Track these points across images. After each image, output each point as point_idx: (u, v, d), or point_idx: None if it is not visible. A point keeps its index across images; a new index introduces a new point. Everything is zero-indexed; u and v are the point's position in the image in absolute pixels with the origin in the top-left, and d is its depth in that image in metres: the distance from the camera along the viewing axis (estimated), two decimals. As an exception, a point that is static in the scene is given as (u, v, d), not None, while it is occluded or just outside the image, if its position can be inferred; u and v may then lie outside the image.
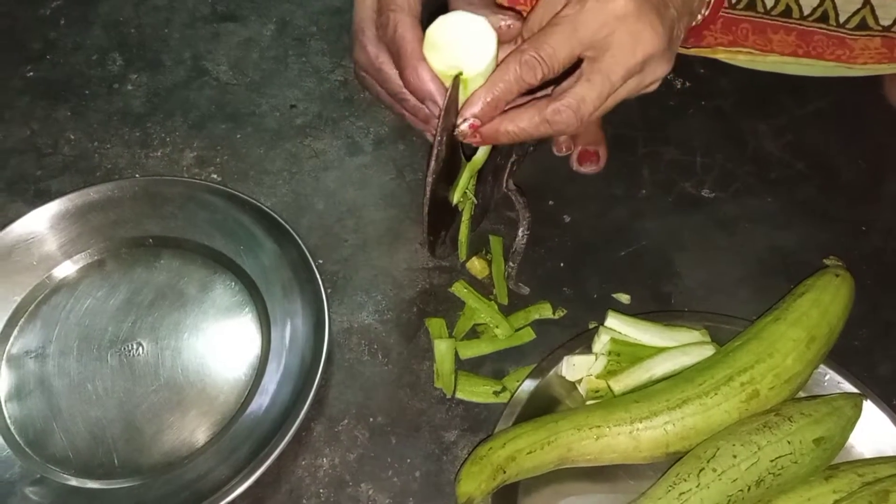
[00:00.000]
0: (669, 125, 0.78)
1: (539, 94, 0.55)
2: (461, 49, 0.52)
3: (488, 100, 0.52)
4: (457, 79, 0.52)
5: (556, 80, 0.54)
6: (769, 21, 0.70)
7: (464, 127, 0.52)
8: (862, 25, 0.68)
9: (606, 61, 0.52)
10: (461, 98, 0.53)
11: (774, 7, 0.70)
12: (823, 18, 0.68)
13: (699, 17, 0.58)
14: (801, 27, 0.69)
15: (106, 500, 0.58)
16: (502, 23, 0.54)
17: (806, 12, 0.68)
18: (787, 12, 0.70)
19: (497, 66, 0.52)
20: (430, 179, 0.53)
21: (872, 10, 0.67)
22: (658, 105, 0.79)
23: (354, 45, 0.56)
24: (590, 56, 0.52)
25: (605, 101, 0.53)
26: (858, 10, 0.67)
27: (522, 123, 0.53)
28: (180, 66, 0.84)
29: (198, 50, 0.85)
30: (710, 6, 0.57)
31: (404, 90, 0.55)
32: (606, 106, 0.54)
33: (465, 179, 0.64)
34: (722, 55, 0.75)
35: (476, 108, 0.52)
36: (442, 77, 0.53)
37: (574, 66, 0.53)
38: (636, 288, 0.68)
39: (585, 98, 0.52)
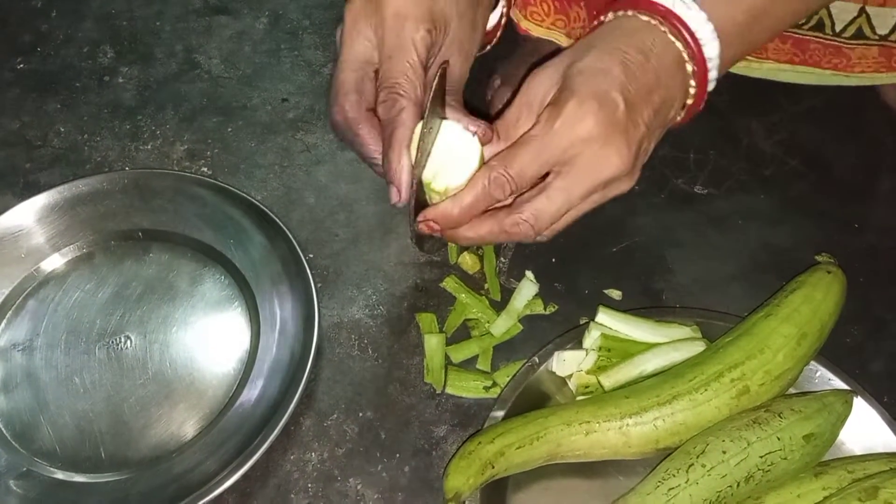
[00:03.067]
0: (663, 121, 0.78)
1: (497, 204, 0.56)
2: (445, 158, 0.54)
3: (454, 212, 0.54)
4: (443, 66, 0.52)
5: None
6: None
7: (422, 227, 0.55)
8: (858, 34, 0.68)
9: (569, 179, 0.53)
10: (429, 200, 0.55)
11: None
12: (819, 27, 0.68)
13: (676, 120, 0.58)
14: (797, 35, 0.69)
15: (93, 494, 0.58)
16: (474, 129, 0.55)
17: (801, 20, 0.68)
18: None
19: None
20: (414, 173, 0.53)
21: (868, 19, 0.67)
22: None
23: (333, 106, 0.57)
24: (554, 171, 0.53)
25: (563, 216, 0.54)
26: (854, 19, 0.67)
27: (482, 231, 0.55)
28: (172, 59, 0.83)
29: (190, 43, 0.84)
30: (687, 109, 0.57)
31: (376, 158, 0.56)
32: (567, 219, 0.55)
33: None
34: None
35: (439, 216, 0.54)
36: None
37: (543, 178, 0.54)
38: (628, 284, 0.68)
39: (542, 211, 0.53)
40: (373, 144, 0.56)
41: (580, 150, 0.52)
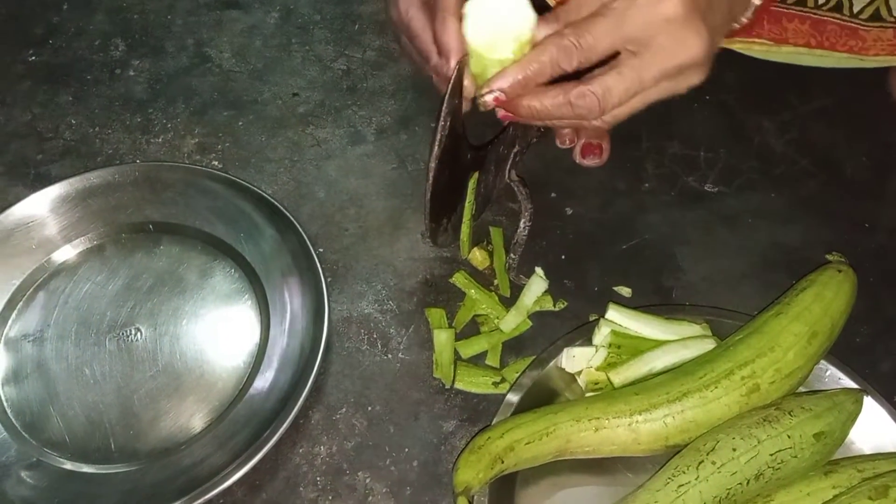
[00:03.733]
0: (674, 119, 0.78)
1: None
2: (498, 24, 0.52)
3: (519, 77, 0.51)
4: (462, 61, 0.52)
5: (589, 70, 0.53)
6: (784, 10, 0.70)
7: (488, 98, 0.52)
8: (875, 16, 0.68)
9: (644, 59, 0.51)
10: (489, 74, 0.53)
11: None
12: (838, 7, 0.68)
13: (742, 21, 0.57)
14: (816, 16, 0.69)
15: (102, 485, 0.58)
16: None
17: (821, 1, 0.68)
18: (801, 1, 0.69)
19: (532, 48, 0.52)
20: (432, 165, 0.53)
21: (886, 1, 0.67)
22: (662, 99, 0.79)
23: (389, 2, 0.56)
24: (629, 50, 0.51)
25: (631, 98, 0.52)
26: (872, 1, 0.67)
27: (546, 101, 0.52)
28: (183, 53, 0.83)
29: (201, 37, 0.84)
30: (755, 10, 0.56)
31: (431, 47, 0.54)
32: (633, 104, 0.53)
33: (467, 228, 0.66)
34: (738, 45, 0.74)
35: (504, 83, 0.51)
36: (472, 53, 0.52)
37: (611, 59, 0.52)
38: (637, 281, 0.68)
39: (612, 88, 0.51)
40: (424, 35, 0.55)
41: (660, 29, 0.50)
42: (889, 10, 0.67)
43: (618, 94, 0.51)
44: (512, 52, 0.52)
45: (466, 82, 0.54)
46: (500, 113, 0.54)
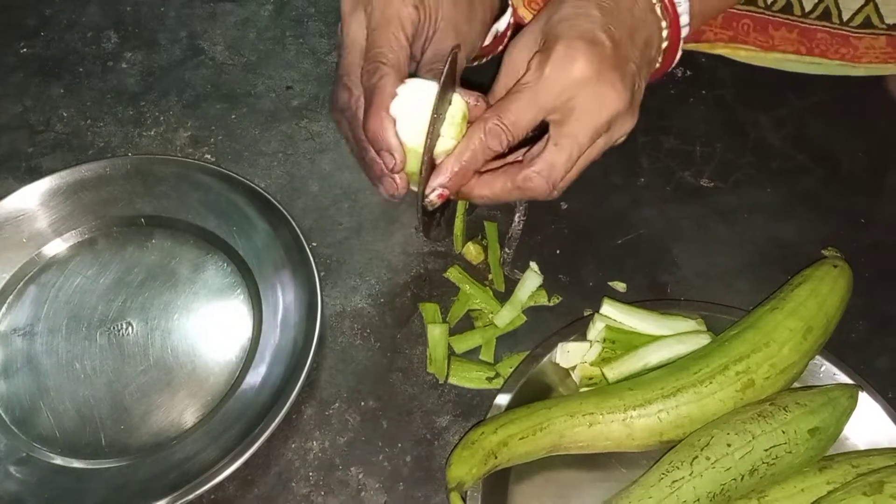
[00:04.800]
0: (669, 114, 0.77)
1: (510, 159, 0.56)
2: (427, 116, 0.53)
3: (456, 169, 0.53)
4: (455, 50, 0.52)
5: (529, 142, 0.55)
6: (770, 17, 0.70)
7: (432, 197, 0.54)
8: (866, 24, 0.67)
9: (572, 125, 0.53)
10: (415, 167, 0.54)
11: (775, 2, 0.69)
12: (826, 16, 0.68)
13: (656, 64, 0.59)
14: (803, 25, 0.69)
15: (93, 480, 0.58)
16: (470, 100, 0.55)
17: (808, 8, 0.68)
18: (787, 8, 0.69)
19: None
20: (425, 157, 0.53)
21: (876, 8, 0.67)
22: (658, 94, 0.78)
23: (337, 86, 0.57)
24: (555, 120, 0.53)
25: (574, 164, 0.54)
26: (861, 8, 0.67)
27: (496, 190, 0.55)
28: (176, 46, 0.83)
29: (194, 29, 0.84)
30: (665, 53, 0.58)
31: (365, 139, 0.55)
32: (579, 167, 0.55)
33: (461, 223, 0.66)
34: (722, 50, 0.74)
35: (444, 178, 0.54)
36: (410, 153, 0.54)
37: (542, 127, 0.54)
38: (633, 276, 0.67)
39: (555, 164, 0.53)
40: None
41: (575, 92, 0.52)
42: (880, 16, 0.66)
43: (562, 167, 0.53)
44: (454, 139, 0.53)
45: (399, 180, 0.55)
46: (445, 195, 0.56)
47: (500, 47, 0.68)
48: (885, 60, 0.70)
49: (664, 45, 0.58)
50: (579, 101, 0.52)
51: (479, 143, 0.53)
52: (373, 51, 0.55)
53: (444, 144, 0.54)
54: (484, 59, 0.68)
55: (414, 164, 0.54)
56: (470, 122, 0.55)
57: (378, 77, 0.53)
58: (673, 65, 0.60)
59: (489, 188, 0.55)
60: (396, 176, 0.54)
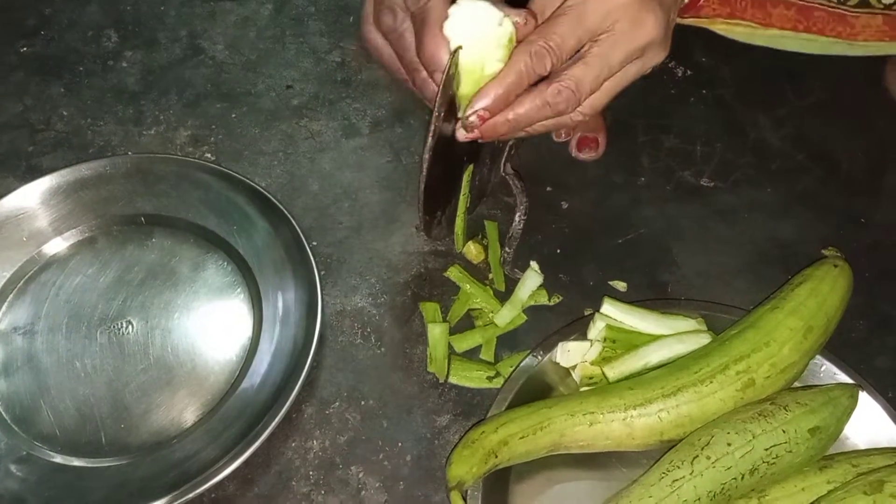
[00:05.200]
0: (670, 113, 0.77)
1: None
2: (480, 38, 0.53)
3: (500, 92, 0.53)
4: (455, 54, 0.51)
5: None
6: None
7: (472, 119, 0.53)
8: (863, 3, 0.68)
9: (607, 45, 0.53)
10: (470, 89, 0.53)
11: None
12: None
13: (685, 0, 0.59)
14: (801, 2, 0.69)
15: (92, 479, 0.58)
16: (517, 19, 0.54)
17: None
18: None
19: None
20: (426, 156, 0.53)
21: None
22: (659, 93, 0.79)
23: (381, 10, 0.56)
24: (594, 41, 0.53)
25: (601, 83, 0.54)
26: None
27: (523, 108, 0.54)
28: (176, 45, 0.83)
29: (194, 28, 0.84)
30: None
31: (418, 61, 0.55)
32: (607, 90, 0.55)
33: (462, 222, 0.66)
34: (720, 27, 0.74)
35: (487, 101, 0.53)
36: (463, 72, 0.53)
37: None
38: (633, 276, 0.67)
39: (583, 78, 0.53)
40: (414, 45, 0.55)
41: (618, 15, 0.52)
42: None
43: (589, 83, 0.53)
44: (500, 61, 0.53)
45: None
46: (475, 134, 0.55)
47: None
48: (880, 38, 0.70)
49: None
50: (619, 25, 0.53)
51: (525, 65, 0.52)
52: None
53: (491, 67, 0.53)
54: None
55: (466, 87, 0.54)
56: (518, 41, 0.54)
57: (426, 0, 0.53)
58: (696, 6, 0.60)
59: (516, 109, 0.54)
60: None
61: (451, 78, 0.52)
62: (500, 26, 0.53)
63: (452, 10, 0.53)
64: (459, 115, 0.54)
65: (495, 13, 0.53)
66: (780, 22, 0.70)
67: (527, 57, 0.52)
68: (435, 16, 0.53)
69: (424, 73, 0.55)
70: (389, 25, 0.56)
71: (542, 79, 0.54)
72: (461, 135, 0.54)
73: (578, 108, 0.55)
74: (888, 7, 0.67)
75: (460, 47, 0.51)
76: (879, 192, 0.74)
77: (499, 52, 0.53)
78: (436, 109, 0.52)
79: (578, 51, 0.54)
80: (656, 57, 0.56)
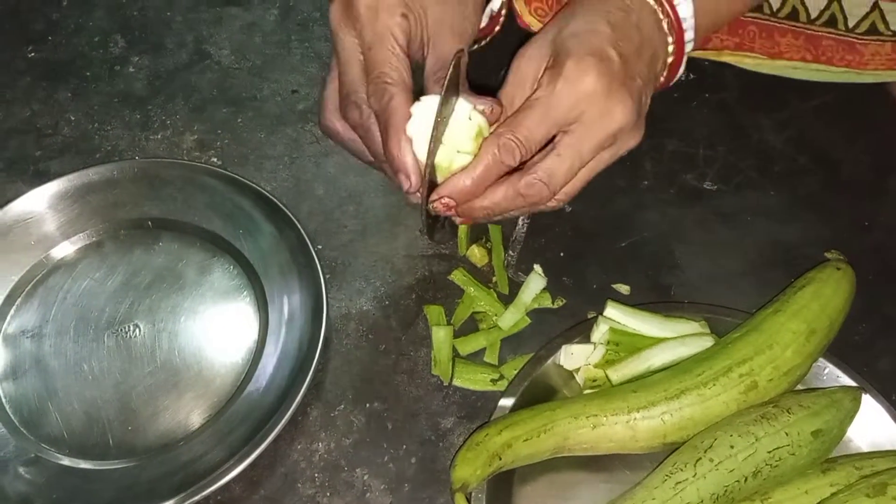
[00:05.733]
0: (673, 117, 0.78)
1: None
2: (450, 137, 0.54)
3: (468, 183, 0.53)
4: (459, 54, 0.52)
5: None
6: (776, 24, 0.70)
7: (437, 205, 0.54)
8: (872, 30, 0.68)
9: (577, 135, 0.54)
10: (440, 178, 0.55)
11: (781, 9, 0.70)
12: (832, 22, 0.68)
13: (661, 79, 0.60)
14: (810, 31, 0.69)
15: (100, 481, 0.58)
16: (483, 107, 0.55)
17: (813, 15, 0.68)
18: (794, 15, 0.69)
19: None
20: (428, 161, 0.53)
21: (882, 15, 0.67)
22: (662, 97, 0.78)
23: (347, 104, 0.57)
24: (562, 132, 0.54)
25: (575, 174, 0.55)
26: (867, 15, 0.67)
27: (497, 198, 0.55)
28: (182, 50, 0.83)
29: (200, 33, 0.84)
30: (669, 67, 0.59)
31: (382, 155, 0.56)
32: (580, 179, 0.56)
33: (465, 226, 0.66)
34: (728, 58, 0.75)
35: (453, 190, 0.54)
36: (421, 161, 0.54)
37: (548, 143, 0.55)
38: (636, 279, 0.68)
39: (556, 171, 0.54)
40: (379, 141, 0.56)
41: (585, 106, 0.53)
42: (886, 23, 0.67)
43: (562, 174, 0.54)
44: (470, 154, 0.54)
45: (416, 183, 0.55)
46: (458, 220, 0.57)
47: (497, 27, 0.68)
48: (890, 67, 0.71)
49: (669, 59, 0.58)
50: (587, 115, 0.53)
51: (493, 157, 0.53)
52: (375, 72, 0.55)
53: (460, 160, 0.54)
54: (483, 42, 0.68)
55: (439, 174, 0.55)
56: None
57: (388, 98, 0.54)
58: (675, 79, 0.61)
59: (490, 198, 0.55)
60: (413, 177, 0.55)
61: (455, 82, 0.53)
62: (469, 120, 0.54)
63: (415, 108, 0.53)
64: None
65: (463, 106, 0.54)
66: (789, 52, 0.70)
67: (494, 149, 0.53)
68: (397, 118, 0.53)
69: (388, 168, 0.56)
70: (356, 120, 0.57)
71: (517, 168, 0.54)
72: (439, 210, 0.55)
73: (556, 197, 0.56)
74: None
75: (461, 52, 0.52)
76: (882, 196, 0.74)
77: (468, 145, 0.54)
78: (437, 115, 0.53)
79: (549, 141, 0.54)
80: (630, 141, 0.56)
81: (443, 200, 0.54)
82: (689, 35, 0.58)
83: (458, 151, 0.54)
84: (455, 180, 0.54)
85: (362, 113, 0.56)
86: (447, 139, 0.54)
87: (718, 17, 0.61)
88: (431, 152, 0.53)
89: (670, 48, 0.58)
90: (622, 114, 0.54)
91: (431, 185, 0.56)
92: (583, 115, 0.53)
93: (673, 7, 0.57)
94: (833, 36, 0.68)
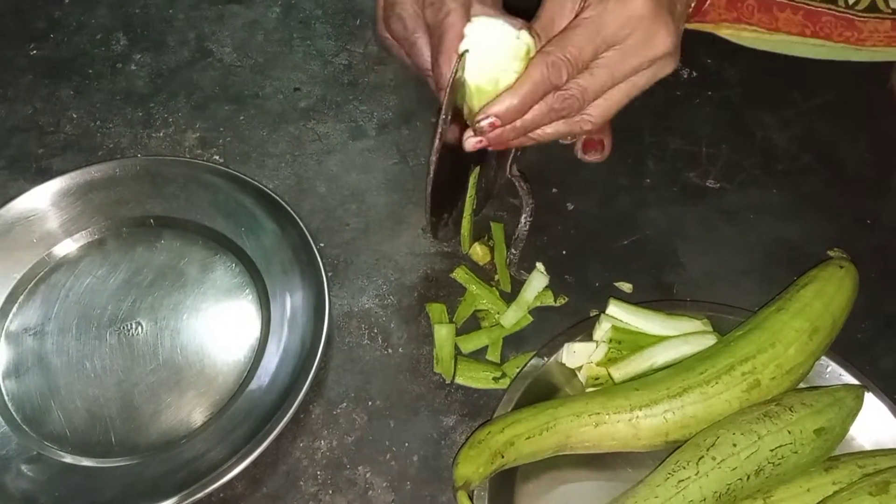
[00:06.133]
0: (675, 115, 0.78)
1: None
2: (493, 58, 0.53)
3: (514, 101, 0.53)
4: (461, 57, 0.52)
5: None
6: None
7: (483, 123, 0.53)
8: (871, 7, 0.68)
9: (615, 57, 0.54)
10: (481, 102, 0.54)
11: None
12: None
13: (689, 9, 0.60)
14: (809, 7, 0.69)
15: (102, 479, 0.58)
16: (515, 24, 0.54)
17: None
18: None
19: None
20: (433, 158, 0.53)
21: None
22: (664, 95, 0.79)
23: (390, 16, 0.57)
24: (606, 52, 0.54)
25: (606, 91, 0.55)
26: None
27: (529, 114, 0.54)
28: (184, 47, 0.83)
29: (202, 31, 0.84)
30: (695, 7, 0.60)
31: (430, 69, 0.56)
32: (616, 99, 0.56)
33: (468, 223, 0.66)
34: (726, 31, 0.74)
35: (500, 108, 0.53)
36: (476, 90, 0.54)
37: None
38: (638, 277, 0.68)
39: (587, 87, 0.54)
40: (428, 54, 0.56)
41: (633, 28, 0.53)
42: (885, 1, 0.66)
43: (593, 90, 0.54)
44: (517, 73, 0.53)
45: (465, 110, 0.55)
46: (482, 143, 0.56)
47: None
48: (888, 44, 0.71)
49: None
50: (633, 37, 0.53)
51: (542, 75, 0.52)
52: None
53: (507, 79, 0.53)
54: None
55: (476, 103, 0.54)
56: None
57: (445, 13, 0.54)
58: (700, 13, 0.61)
59: (526, 113, 0.55)
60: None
61: (458, 82, 0.53)
62: (518, 39, 0.53)
63: (468, 28, 0.53)
64: (469, 121, 0.54)
65: (511, 29, 0.53)
66: (787, 27, 0.70)
67: (543, 67, 0.52)
68: (452, 34, 0.53)
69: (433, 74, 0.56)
70: (400, 33, 0.57)
71: None
72: (469, 143, 0.55)
73: (587, 117, 0.56)
74: None
75: (467, 51, 0.52)
76: (886, 194, 0.74)
77: (516, 64, 0.53)
78: (443, 112, 0.52)
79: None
80: (667, 67, 0.57)
81: (489, 119, 0.53)
82: None
83: (505, 70, 0.53)
84: (503, 98, 0.53)
85: (406, 26, 0.56)
86: (492, 64, 0.53)
87: None
88: (437, 150, 0.53)
89: None
90: (665, 40, 0.54)
91: (440, 189, 0.55)
92: (628, 38, 0.53)
93: None
94: (832, 12, 0.68)
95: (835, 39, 0.70)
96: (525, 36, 0.53)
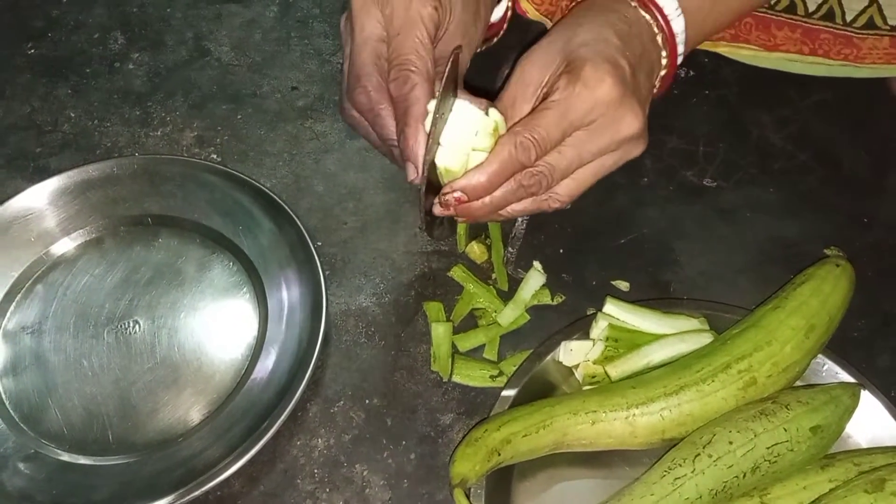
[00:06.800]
0: (672, 114, 0.78)
1: None
2: (458, 138, 0.54)
3: (482, 179, 0.54)
4: (456, 52, 0.52)
5: None
6: (773, 17, 0.70)
7: (449, 197, 0.54)
8: (870, 25, 0.68)
9: (583, 138, 0.55)
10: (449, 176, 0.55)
11: (779, 2, 0.70)
12: (829, 16, 0.68)
13: (654, 89, 0.61)
14: (807, 24, 0.69)
15: (99, 477, 0.58)
16: (480, 105, 0.55)
17: (811, 9, 0.68)
18: (791, 8, 0.69)
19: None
20: (426, 157, 0.53)
21: (880, 9, 0.67)
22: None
23: (354, 88, 0.57)
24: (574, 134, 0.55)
25: (573, 171, 0.56)
26: (865, 9, 0.67)
27: (499, 193, 0.55)
28: (182, 46, 0.83)
29: (200, 30, 0.84)
30: (661, 80, 0.61)
31: (394, 139, 0.56)
32: (583, 180, 0.57)
33: (464, 223, 0.66)
34: (724, 49, 0.75)
35: (468, 185, 0.54)
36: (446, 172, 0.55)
37: None
38: (635, 275, 0.68)
39: (556, 165, 0.55)
40: (393, 126, 0.56)
41: (600, 112, 0.54)
42: (883, 17, 0.67)
43: (561, 169, 0.55)
44: (486, 151, 0.54)
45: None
46: (458, 219, 0.57)
47: (505, 25, 0.68)
48: (888, 61, 0.71)
49: (662, 73, 0.60)
50: (601, 120, 0.54)
51: (510, 154, 0.53)
52: (400, 57, 0.55)
53: (476, 157, 0.54)
54: (491, 42, 0.69)
55: (449, 176, 0.55)
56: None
57: (410, 87, 0.54)
58: (663, 93, 0.62)
59: (493, 195, 0.55)
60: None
61: (453, 77, 0.53)
62: (487, 116, 0.54)
63: (429, 106, 0.54)
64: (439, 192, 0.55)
65: (477, 109, 0.54)
66: (786, 44, 0.70)
67: (511, 147, 0.53)
68: (417, 108, 0.54)
69: (398, 152, 0.56)
70: (364, 105, 0.57)
71: None
72: (437, 210, 0.55)
73: (556, 196, 0.57)
74: (895, 29, 0.67)
75: (459, 48, 0.52)
76: (882, 192, 0.74)
77: (484, 141, 0.54)
78: (435, 111, 0.53)
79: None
80: (634, 150, 0.58)
81: (455, 194, 0.54)
82: (680, 49, 0.60)
83: (474, 149, 0.54)
84: (470, 175, 0.54)
85: (370, 98, 0.56)
86: (455, 137, 0.54)
87: (703, 32, 0.63)
88: (429, 149, 0.53)
89: (664, 61, 0.59)
90: (633, 123, 0.55)
91: (429, 184, 0.56)
92: (595, 121, 0.54)
93: (667, 22, 0.58)
94: (830, 30, 0.68)
95: (833, 57, 0.70)
96: (494, 112, 0.55)
